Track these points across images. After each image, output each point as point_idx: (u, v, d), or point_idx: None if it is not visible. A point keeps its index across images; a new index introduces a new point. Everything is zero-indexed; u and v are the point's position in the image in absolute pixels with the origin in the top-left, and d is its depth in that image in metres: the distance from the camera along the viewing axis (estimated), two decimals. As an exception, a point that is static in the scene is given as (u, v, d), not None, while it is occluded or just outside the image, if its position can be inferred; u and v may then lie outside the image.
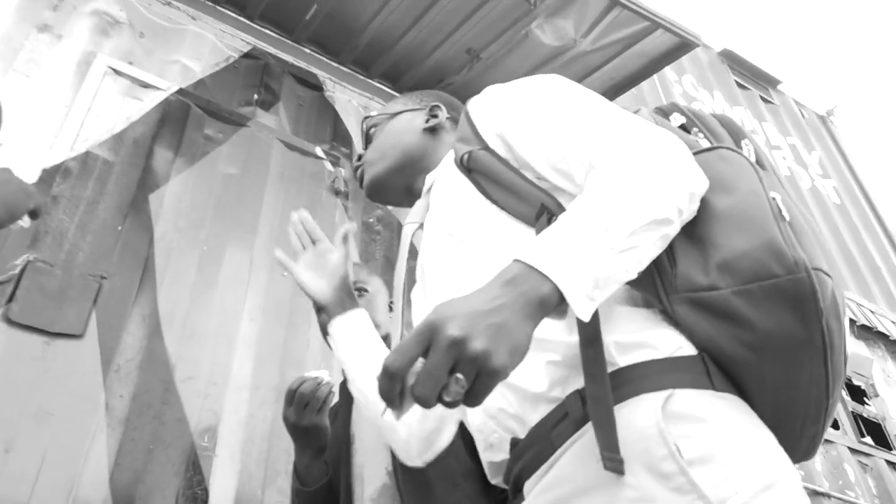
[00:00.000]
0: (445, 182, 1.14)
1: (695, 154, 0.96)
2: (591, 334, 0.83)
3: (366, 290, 1.80)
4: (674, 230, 0.86)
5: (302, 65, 3.55)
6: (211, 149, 2.91)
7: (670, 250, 0.89)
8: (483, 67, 3.61)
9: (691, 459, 0.76)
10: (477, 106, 1.12)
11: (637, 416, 0.80)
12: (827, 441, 4.38)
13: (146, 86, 2.90)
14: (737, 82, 7.30)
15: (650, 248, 0.83)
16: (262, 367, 2.49)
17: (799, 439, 0.93)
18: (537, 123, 1.02)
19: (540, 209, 0.97)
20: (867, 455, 4.53)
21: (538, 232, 0.92)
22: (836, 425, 4.63)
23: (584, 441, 0.83)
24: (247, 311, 2.59)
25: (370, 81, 3.78)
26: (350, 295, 1.33)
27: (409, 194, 1.32)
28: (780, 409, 0.89)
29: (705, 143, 1.04)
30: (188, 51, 3.15)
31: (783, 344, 0.84)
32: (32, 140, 2.49)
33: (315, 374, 1.65)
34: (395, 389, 0.71)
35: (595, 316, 0.81)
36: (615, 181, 0.85)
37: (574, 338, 0.86)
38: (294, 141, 3.21)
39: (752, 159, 0.99)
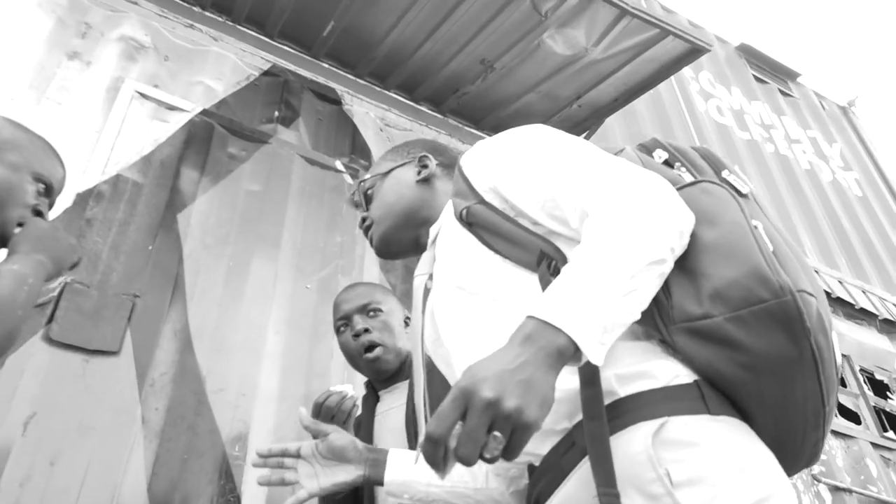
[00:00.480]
0: (449, 235, 1.19)
1: (679, 189, 1.03)
2: (590, 375, 0.90)
3: (380, 311, 1.87)
4: (668, 267, 0.93)
5: (320, 80, 3.64)
6: (234, 167, 3.02)
7: (665, 284, 0.96)
8: (497, 77, 3.68)
9: (680, 482, 0.84)
10: (469, 162, 1.20)
11: (631, 443, 0.88)
12: (848, 436, 4.39)
13: (172, 108, 3.01)
14: (755, 76, 7.28)
15: (650, 288, 0.91)
16: (288, 379, 2.60)
17: (802, 447, 0.99)
18: (528, 174, 1.09)
19: (539, 255, 1.03)
20: (889, 450, 4.53)
21: (540, 277, 1.00)
22: (857, 420, 4.63)
23: (587, 467, 0.90)
24: (272, 324, 2.69)
25: (387, 93, 3.87)
26: (370, 448, 1.38)
27: (415, 247, 1.37)
28: (781, 422, 0.96)
29: (688, 178, 1.10)
30: (211, 71, 3.26)
31: (777, 363, 0.91)
32: (66, 165, 2.61)
33: (340, 388, 1.74)
34: (439, 454, 0.77)
35: None
36: (611, 230, 0.92)
37: (575, 377, 0.92)
38: (314, 156, 3.31)
39: (733, 190, 1.06)
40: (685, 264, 0.96)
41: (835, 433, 4.35)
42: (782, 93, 7.41)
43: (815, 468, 4.01)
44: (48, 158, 1.37)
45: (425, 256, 1.30)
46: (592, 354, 0.82)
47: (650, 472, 0.85)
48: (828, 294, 5.07)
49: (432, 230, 1.29)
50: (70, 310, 2.30)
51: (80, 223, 2.50)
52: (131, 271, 2.50)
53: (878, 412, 4.78)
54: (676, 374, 0.94)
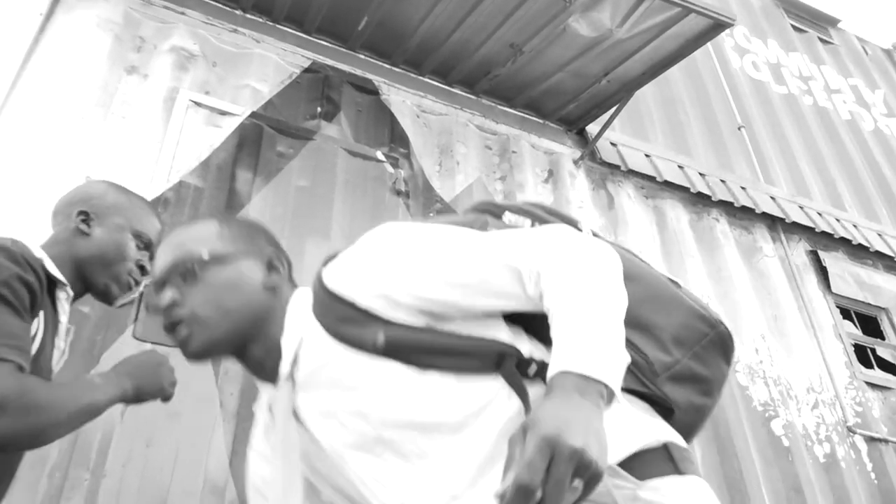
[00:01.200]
0: (353, 375, 1.02)
1: None
2: None
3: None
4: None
5: (358, 72, 3.84)
6: (283, 165, 3.26)
7: (632, 344, 1.04)
8: (527, 59, 3.82)
9: None
10: (343, 282, 1.05)
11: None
12: (885, 388, 4.51)
13: (223, 113, 3.25)
14: (793, 26, 7.17)
15: (621, 325, 0.96)
16: (344, 360, 2.86)
17: None
18: (436, 270, 1.02)
19: (498, 358, 1.01)
20: (927, 400, 4.63)
21: (507, 377, 1.00)
22: (894, 370, 4.73)
23: None
24: (328, 311, 2.94)
25: (422, 79, 4.04)
26: None
27: (233, 355, 1.14)
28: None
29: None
30: (256, 73, 3.48)
31: (720, 383, 1.16)
32: (135, 176, 2.88)
33: None
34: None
35: None
36: (581, 286, 0.94)
37: None
38: (356, 148, 3.52)
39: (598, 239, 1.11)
40: (633, 321, 1.03)
41: (872, 385, 4.47)
42: (822, 41, 7.29)
43: (851, 420, 4.15)
44: (146, 215, 1.54)
45: (281, 397, 1.07)
46: (618, 391, 0.88)
47: (607, 497, 0.93)
48: (866, 248, 5.12)
49: (285, 363, 1.06)
50: (150, 310, 2.59)
51: (152, 229, 2.78)
52: (200, 270, 2.77)
53: (916, 363, 4.86)
54: (646, 441, 0.99)
